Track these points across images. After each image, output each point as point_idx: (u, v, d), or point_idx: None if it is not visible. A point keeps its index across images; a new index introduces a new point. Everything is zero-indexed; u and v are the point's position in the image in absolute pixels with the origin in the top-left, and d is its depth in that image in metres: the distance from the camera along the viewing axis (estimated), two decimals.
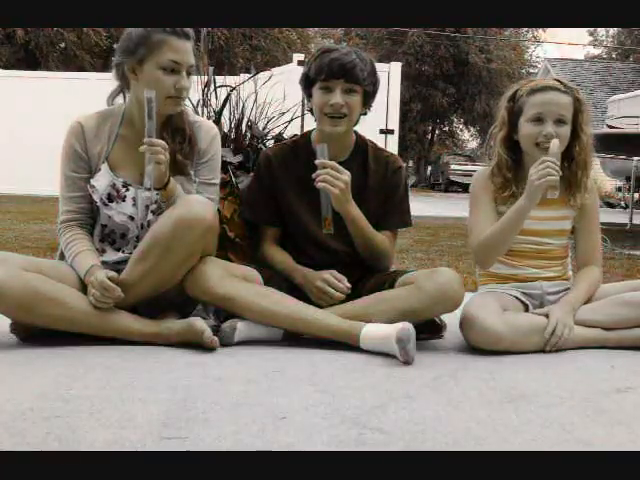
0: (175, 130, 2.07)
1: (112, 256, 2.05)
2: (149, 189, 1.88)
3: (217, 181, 2.15)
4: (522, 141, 2.11)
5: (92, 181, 2.05)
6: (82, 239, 2.04)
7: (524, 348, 2.00)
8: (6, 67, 14.65)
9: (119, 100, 2.16)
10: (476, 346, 1.99)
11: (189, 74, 2.03)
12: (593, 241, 2.21)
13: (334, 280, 2.09)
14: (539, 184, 1.95)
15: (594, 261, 2.19)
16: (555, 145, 1.99)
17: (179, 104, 2.03)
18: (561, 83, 2.12)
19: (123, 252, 2.05)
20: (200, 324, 1.92)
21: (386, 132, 8.39)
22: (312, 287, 2.10)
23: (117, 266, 2.02)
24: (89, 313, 1.90)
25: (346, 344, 1.95)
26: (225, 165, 2.43)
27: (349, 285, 2.10)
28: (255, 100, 4.23)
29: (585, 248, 2.21)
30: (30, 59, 17.03)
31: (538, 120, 2.06)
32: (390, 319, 1.94)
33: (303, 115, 4.41)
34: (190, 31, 2.02)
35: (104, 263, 2.01)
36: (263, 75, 4.52)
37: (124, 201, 2.04)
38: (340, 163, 2.05)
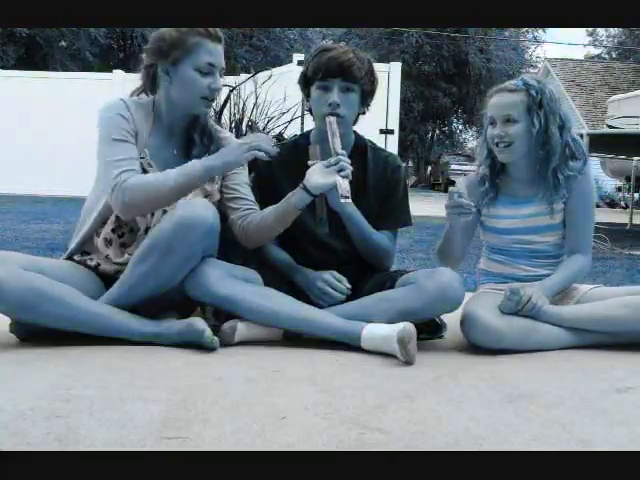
0: (202, 133, 2.12)
1: (117, 257, 2.05)
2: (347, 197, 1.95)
3: (250, 184, 2.22)
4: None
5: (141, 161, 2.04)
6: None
7: (524, 347, 2.00)
8: (10, 66, 14.66)
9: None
10: (477, 344, 1.99)
11: (221, 76, 2.08)
12: (580, 229, 2.20)
13: (334, 280, 2.10)
14: (448, 215, 2.09)
15: (581, 249, 2.19)
16: (458, 183, 2.08)
17: (210, 105, 2.10)
18: (522, 80, 2.14)
19: (129, 254, 2.04)
20: (200, 324, 1.92)
21: (386, 132, 8.39)
22: (312, 287, 2.11)
23: (120, 267, 2.02)
24: (89, 312, 1.90)
25: (346, 344, 1.95)
26: None
27: (349, 285, 2.11)
28: (255, 100, 4.24)
29: (571, 236, 2.20)
30: (34, 56, 17.06)
31: (492, 123, 2.15)
32: (390, 319, 1.94)
33: (303, 115, 4.42)
34: (222, 34, 2.07)
35: (106, 258, 2.02)
36: (263, 75, 4.53)
37: None
38: None
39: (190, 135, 2.13)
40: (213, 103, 2.10)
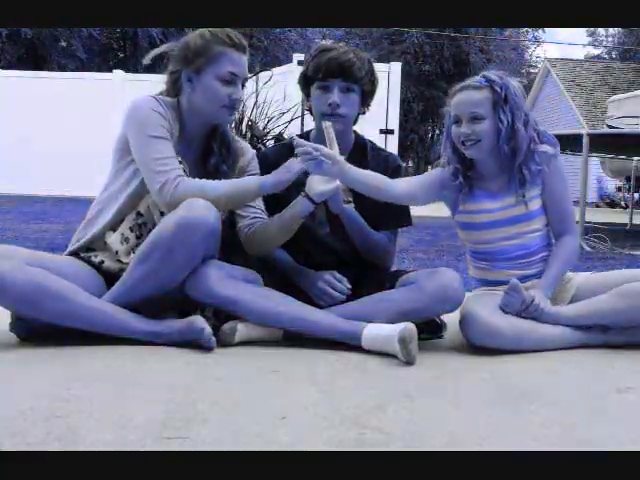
0: (222, 143, 2.13)
1: (125, 257, 2.05)
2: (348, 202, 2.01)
3: None
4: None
5: None
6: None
7: (525, 347, 2.00)
8: (10, 66, 14.69)
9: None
10: (477, 344, 1.99)
11: (243, 87, 2.10)
12: (561, 211, 2.18)
13: (334, 281, 2.10)
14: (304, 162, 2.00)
15: (567, 230, 2.18)
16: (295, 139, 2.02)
17: (232, 114, 2.10)
18: (484, 77, 2.09)
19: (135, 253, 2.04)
20: (200, 322, 1.92)
21: (386, 132, 8.40)
22: (313, 287, 2.10)
23: (124, 265, 2.01)
24: (91, 309, 1.90)
25: (346, 344, 1.95)
26: None
27: (349, 286, 2.11)
28: (256, 100, 4.24)
29: (555, 220, 2.18)
30: (34, 56, 17.09)
31: (457, 122, 2.10)
32: (391, 319, 1.94)
33: (303, 115, 4.43)
34: (246, 44, 2.08)
35: (115, 254, 2.03)
36: (263, 75, 4.53)
37: None
38: None
39: (209, 144, 2.13)
40: (235, 113, 2.10)
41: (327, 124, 2.07)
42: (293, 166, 2.02)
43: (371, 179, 2.10)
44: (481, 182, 2.18)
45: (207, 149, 2.14)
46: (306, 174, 2.04)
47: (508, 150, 2.09)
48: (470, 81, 2.12)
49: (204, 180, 2.00)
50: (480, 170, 2.18)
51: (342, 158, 2.01)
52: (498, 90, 2.05)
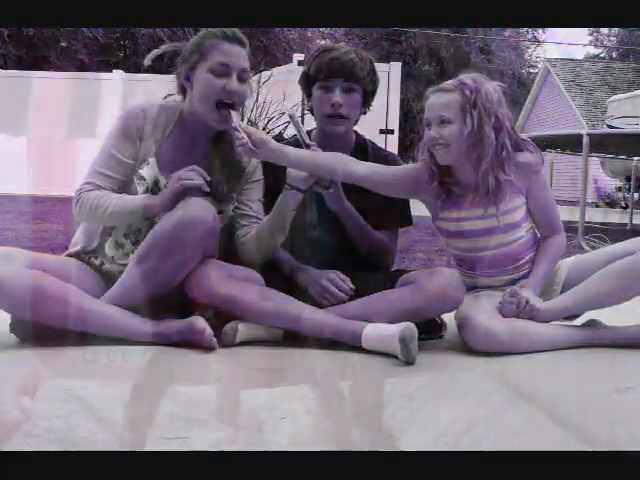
0: (225, 162, 2.08)
1: (122, 260, 2.05)
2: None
3: (262, 200, 2.18)
4: None
5: (141, 172, 2.04)
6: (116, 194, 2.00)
7: (525, 348, 1.99)
8: (10, 66, 14.70)
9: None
10: (477, 349, 1.98)
11: (242, 80, 2.03)
12: (549, 218, 2.18)
13: (339, 280, 2.09)
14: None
15: (554, 231, 2.18)
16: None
17: (225, 117, 1.99)
18: (458, 80, 2.03)
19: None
20: (201, 323, 1.92)
21: (386, 132, 8.40)
22: (316, 285, 2.10)
23: (124, 267, 2.02)
24: (91, 311, 1.90)
25: (347, 344, 1.95)
26: None
27: (353, 287, 2.10)
28: (255, 100, 4.24)
29: (542, 225, 2.18)
30: (34, 56, 17.10)
31: (428, 125, 2.04)
32: (390, 319, 1.94)
33: (303, 115, 4.42)
34: (244, 37, 2.06)
35: (112, 259, 2.04)
36: (263, 75, 4.53)
37: None
38: None
39: (214, 157, 2.09)
40: (233, 111, 1.98)
41: (292, 112, 2.10)
42: (172, 186, 1.96)
43: (324, 161, 2.03)
44: (461, 189, 2.11)
45: (211, 162, 2.07)
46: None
47: (475, 156, 2.00)
48: (443, 84, 2.06)
49: (104, 195, 1.97)
50: (457, 176, 2.10)
51: (276, 144, 2.00)
52: (467, 93, 1.98)
